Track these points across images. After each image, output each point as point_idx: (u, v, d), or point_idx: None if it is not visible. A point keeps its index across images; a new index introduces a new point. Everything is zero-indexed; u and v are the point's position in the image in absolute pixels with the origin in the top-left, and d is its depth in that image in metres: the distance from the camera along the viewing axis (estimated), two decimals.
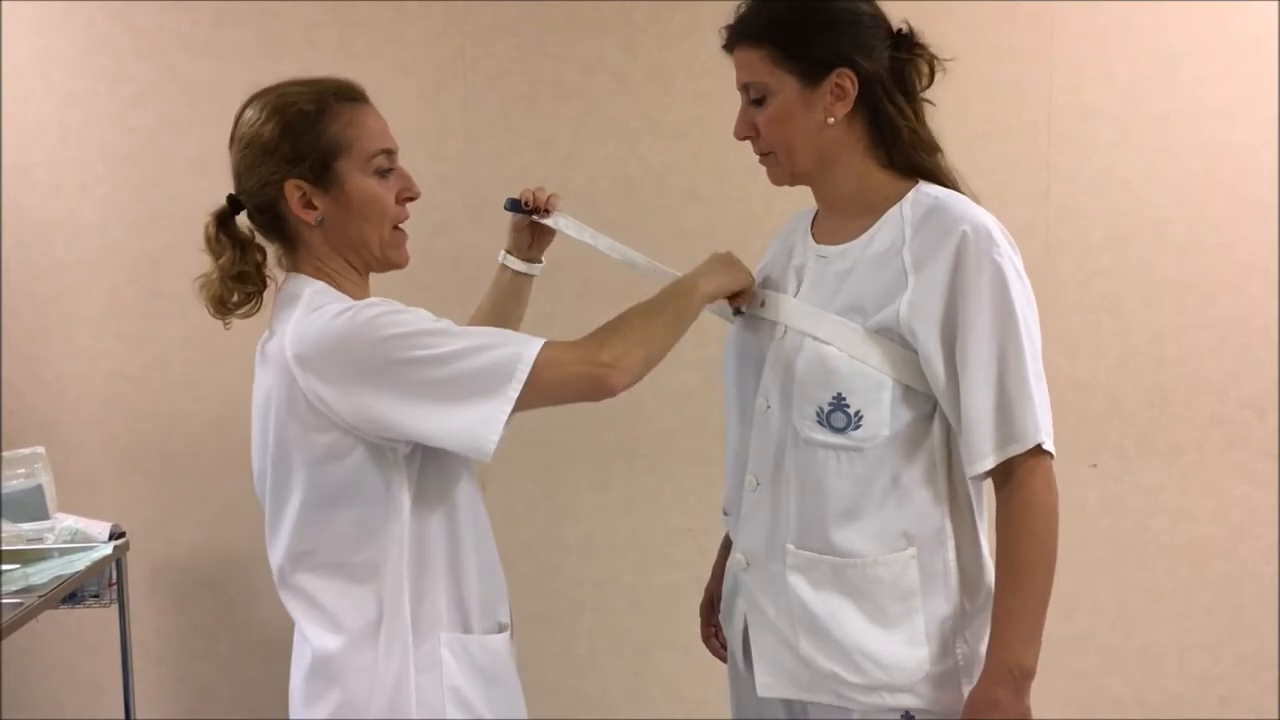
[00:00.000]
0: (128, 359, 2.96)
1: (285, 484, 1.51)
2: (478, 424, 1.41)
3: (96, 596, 2.57)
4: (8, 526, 2.47)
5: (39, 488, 2.57)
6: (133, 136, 2.90)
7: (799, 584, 1.56)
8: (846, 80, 1.52)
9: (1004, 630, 1.48)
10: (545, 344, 1.45)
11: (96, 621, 2.73)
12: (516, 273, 1.84)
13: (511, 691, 1.63)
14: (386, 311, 1.43)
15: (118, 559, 2.56)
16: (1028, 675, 1.48)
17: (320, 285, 1.52)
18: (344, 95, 1.53)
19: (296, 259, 1.56)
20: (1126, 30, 2.89)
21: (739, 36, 1.56)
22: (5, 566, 2.33)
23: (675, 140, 2.92)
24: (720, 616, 1.79)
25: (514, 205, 1.77)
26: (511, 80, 2.91)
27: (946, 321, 1.47)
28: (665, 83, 2.91)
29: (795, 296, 1.61)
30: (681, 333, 1.58)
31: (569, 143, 2.92)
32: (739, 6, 1.58)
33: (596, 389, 1.49)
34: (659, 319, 1.56)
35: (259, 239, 1.57)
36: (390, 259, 1.58)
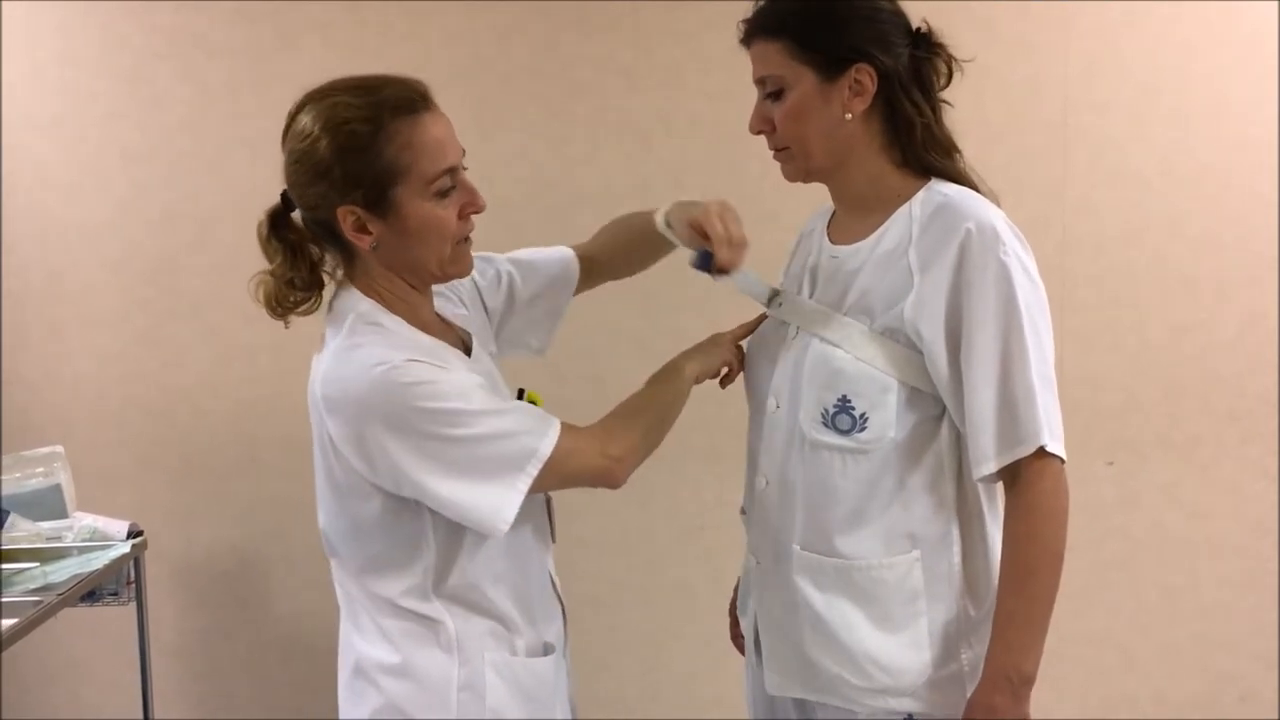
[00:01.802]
0: (145, 358, 2.97)
1: (325, 500, 1.52)
2: (488, 510, 1.42)
3: (115, 595, 2.58)
4: (27, 525, 2.49)
5: (57, 487, 2.58)
6: (150, 136, 2.92)
7: (805, 586, 1.55)
8: (865, 75, 1.50)
9: (1005, 635, 1.46)
10: (561, 434, 1.45)
11: (115, 620, 2.74)
12: (665, 240, 1.72)
13: (555, 715, 1.60)
14: (423, 381, 1.40)
15: (136, 557, 2.57)
16: (1027, 682, 1.45)
17: (367, 307, 1.48)
18: (403, 108, 1.43)
19: (350, 271, 1.52)
20: (1141, 25, 2.88)
21: (757, 29, 1.54)
22: (25, 565, 2.34)
23: (688, 139, 2.91)
24: (737, 611, 1.79)
25: (703, 263, 1.60)
26: (524, 80, 2.91)
27: (951, 322, 1.45)
28: (678, 81, 2.90)
29: (810, 297, 1.61)
30: (675, 419, 1.64)
31: (582, 142, 2.92)
32: (757, 0, 1.56)
33: (602, 482, 1.52)
34: (658, 409, 1.61)
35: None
36: (450, 274, 1.53)
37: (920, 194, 1.54)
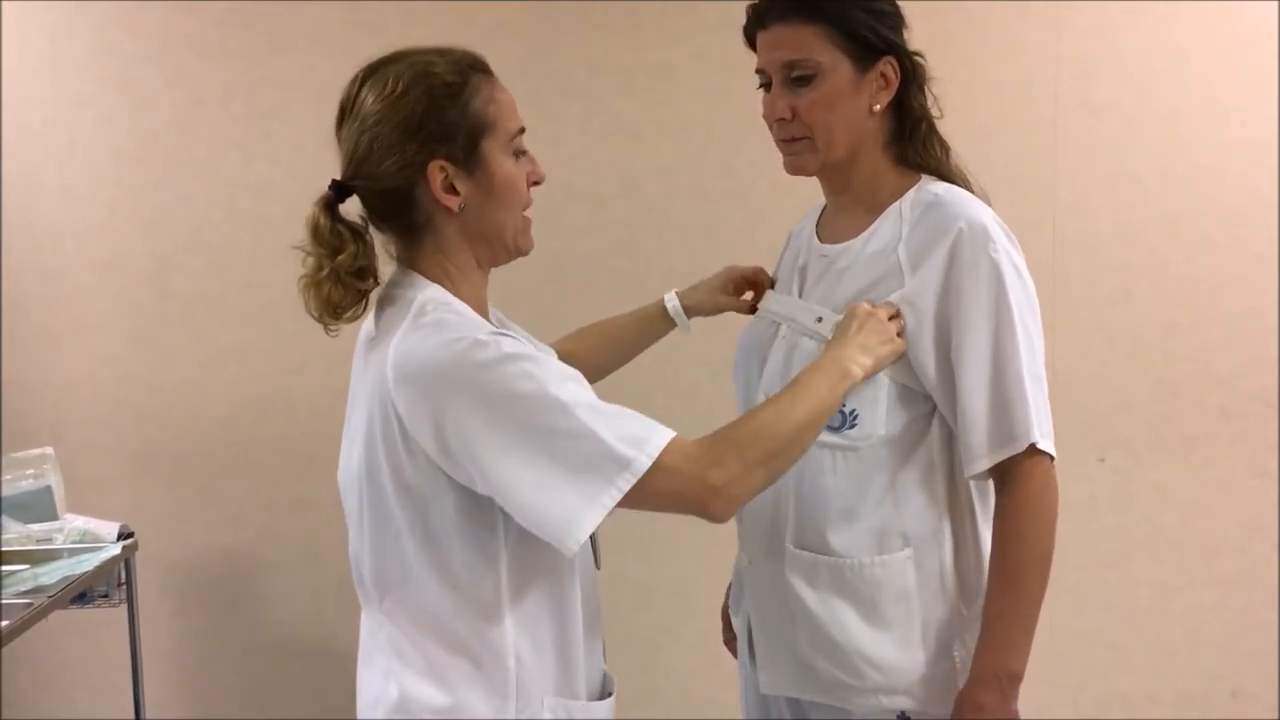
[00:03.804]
0: (137, 361, 2.97)
1: (375, 509, 1.37)
2: (562, 519, 1.25)
3: (106, 596, 2.58)
4: (17, 527, 2.48)
5: (47, 489, 2.57)
6: (141, 139, 2.91)
7: (798, 584, 1.55)
8: (890, 69, 1.50)
9: (993, 633, 1.46)
10: (665, 447, 1.28)
11: (107, 622, 2.73)
12: (670, 319, 1.80)
13: None
14: (512, 356, 1.27)
15: (126, 559, 2.56)
16: (1015, 680, 1.45)
17: (433, 291, 1.37)
18: (478, 66, 1.41)
19: (415, 252, 1.41)
20: (1134, 26, 2.88)
21: (792, 10, 1.48)
22: (15, 567, 2.34)
23: (681, 138, 2.91)
24: (729, 609, 1.79)
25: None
26: (518, 79, 2.88)
27: (940, 320, 1.46)
28: (671, 81, 2.90)
29: (799, 296, 1.61)
30: (819, 431, 1.40)
31: (576, 142, 2.92)
32: None
33: (697, 511, 1.32)
34: (794, 421, 1.36)
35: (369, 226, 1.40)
36: (520, 247, 1.45)
37: (910, 193, 1.54)
